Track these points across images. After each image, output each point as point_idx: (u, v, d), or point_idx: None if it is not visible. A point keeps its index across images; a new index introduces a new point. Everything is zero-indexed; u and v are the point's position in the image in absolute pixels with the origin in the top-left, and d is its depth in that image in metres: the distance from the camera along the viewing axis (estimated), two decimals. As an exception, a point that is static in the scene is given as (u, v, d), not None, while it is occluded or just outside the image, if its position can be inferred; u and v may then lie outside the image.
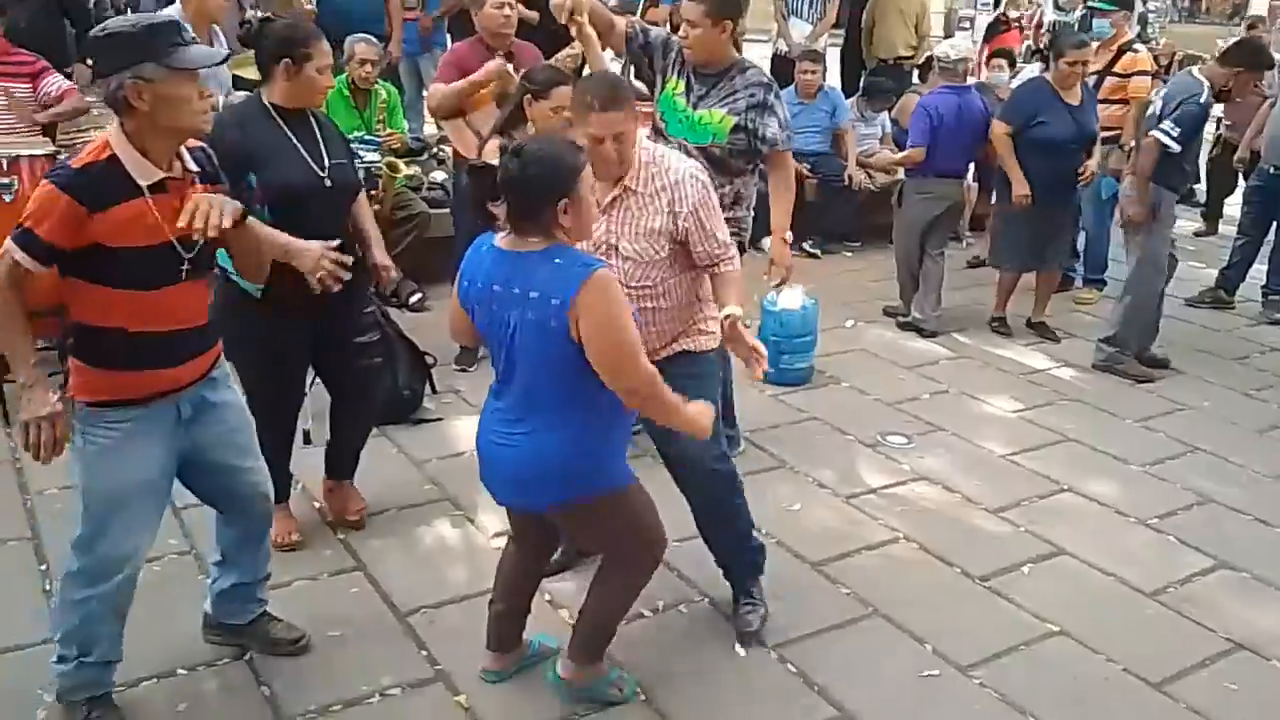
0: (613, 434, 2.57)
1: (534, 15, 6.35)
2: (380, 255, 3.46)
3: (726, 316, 2.85)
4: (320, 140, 3.25)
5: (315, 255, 2.98)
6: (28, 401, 2.37)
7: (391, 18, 6.81)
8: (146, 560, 3.33)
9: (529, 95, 3.67)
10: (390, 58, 6.84)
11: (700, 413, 2.57)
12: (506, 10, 4.64)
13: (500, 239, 2.46)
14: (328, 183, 3.21)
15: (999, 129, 5.70)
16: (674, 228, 2.83)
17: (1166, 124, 5.06)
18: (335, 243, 3.05)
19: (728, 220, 3.67)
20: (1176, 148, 5.05)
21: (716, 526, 3.20)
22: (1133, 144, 5.80)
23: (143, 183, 2.33)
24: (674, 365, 2.92)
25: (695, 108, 3.75)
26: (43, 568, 3.38)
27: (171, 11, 4.51)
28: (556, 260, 2.35)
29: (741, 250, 3.43)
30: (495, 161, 2.61)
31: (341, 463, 3.72)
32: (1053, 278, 6.08)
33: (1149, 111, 5.37)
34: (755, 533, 3.27)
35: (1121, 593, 3.54)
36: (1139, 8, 14.62)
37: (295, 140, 3.18)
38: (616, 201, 2.84)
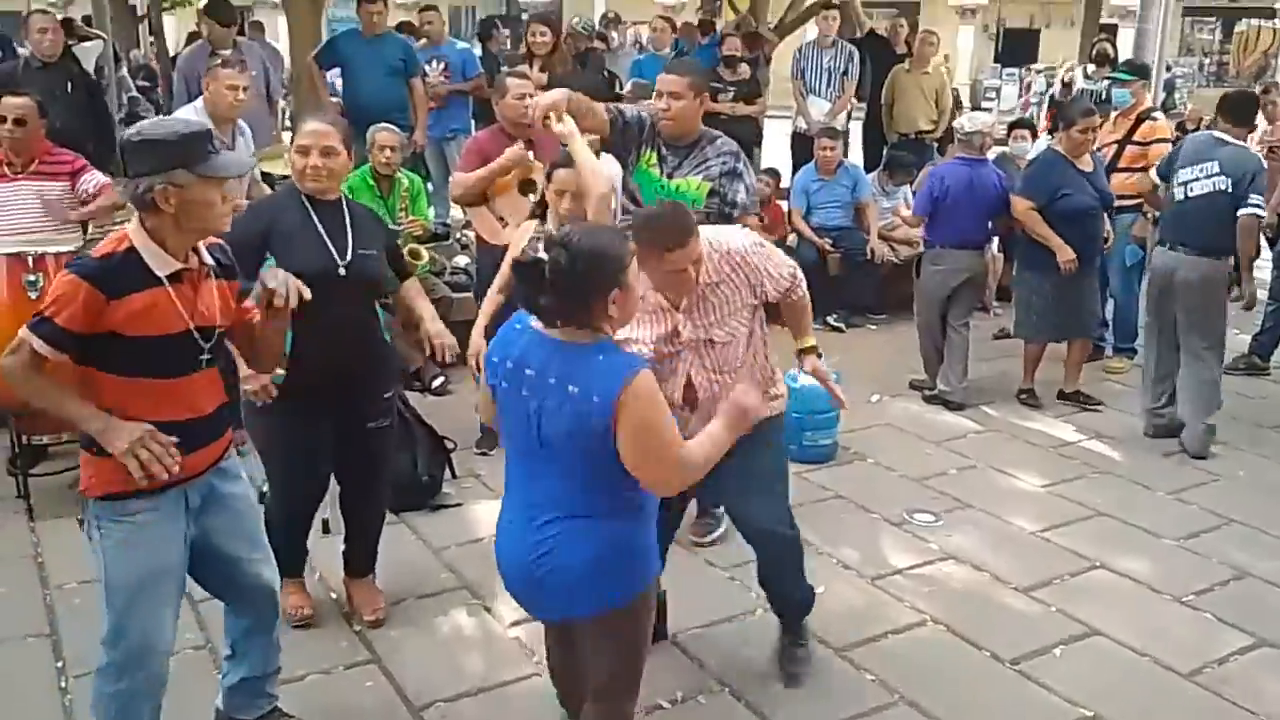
0: (649, 526, 2.46)
1: (553, 101, 6.51)
2: (434, 325, 3.54)
3: (810, 350, 3.22)
4: (348, 229, 3.30)
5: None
6: (115, 436, 2.37)
7: (416, 107, 6.96)
8: (162, 656, 3.37)
9: (546, 179, 3.78)
10: (415, 146, 6.99)
11: (737, 415, 2.43)
12: (527, 100, 4.73)
13: (539, 322, 2.35)
14: (342, 271, 3.25)
15: (1021, 205, 5.66)
16: (754, 298, 3.03)
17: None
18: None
19: None
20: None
21: (776, 581, 3.39)
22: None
23: (161, 273, 2.41)
24: (754, 432, 2.93)
25: (671, 177, 3.88)
26: (59, 664, 3.37)
27: (191, 110, 4.65)
28: (600, 357, 2.27)
29: None
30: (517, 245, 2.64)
31: (358, 558, 3.69)
32: (1084, 346, 6.01)
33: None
34: (806, 576, 3.41)
35: (1156, 674, 3.43)
36: (1165, 75, 14.66)
37: (320, 228, 3.25)
38: (698, 300, 2.93)
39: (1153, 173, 5.47)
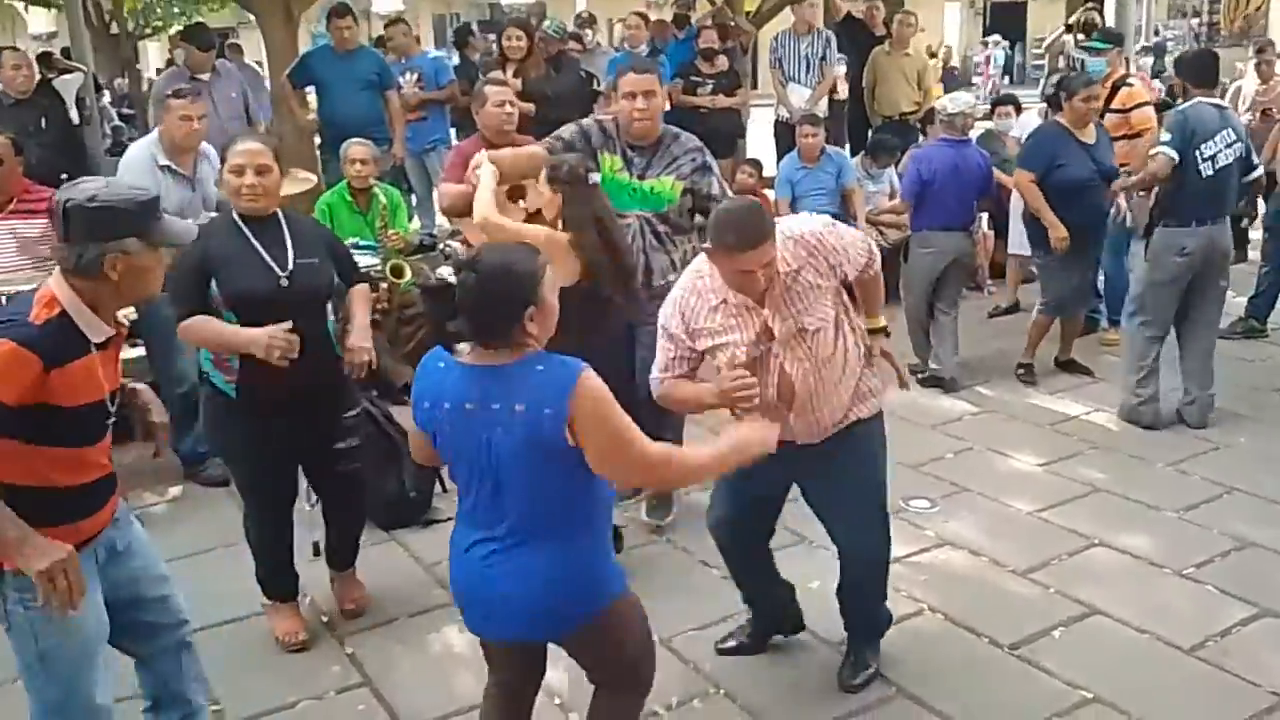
0: (606, 537, 2.45)
1: (530, 107, 6.47)
2: (355, 339, 3.49)
3: (880, 329, 3.07)
4: (287, 242, 3.33)
5: (262, 341, 3.13)
6: (32, 552, 2.21)
7: (393, 121, 6.93)
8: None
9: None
10: (395, 159, 6.96)
11: (746, 438, 2.42)
12: (508, 108, 4.72)
13: (465, 355, 2.30)
14: (284, 282, 3.27)
15: (1023, 178, 5.60)
16: (835, 278, 2.90)
17: (1255, 159, 5.10)
18: (286, 325, 3.15)
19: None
20: None
21: (856, 599, 3.30)
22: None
23: (94, 340, 2.33)
24: (851, 436, 3.01)
25: (642, 178, 3.87)
26: None
27: (147, 143, 4.60)
28: (539, 368, 2.22)
29: None
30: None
31: (340, 552, 3.78)
32: (1078, 318, 5.97)
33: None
34: (887, 603, 3.34)
35: (1157, 650, 3.39)
36: (1154, 38, 14.56)
37: (258, 245, 3.29)
38: (783, 290, 2.83)
39: (1166, 151, 4.99)
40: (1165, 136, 5.01)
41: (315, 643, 3.61)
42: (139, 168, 4.53)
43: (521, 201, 4.77)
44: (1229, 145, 4.98)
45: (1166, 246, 5.02)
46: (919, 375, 5.93)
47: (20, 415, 2.23)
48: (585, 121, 3.97)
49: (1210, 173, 4.97)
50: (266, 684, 3.38)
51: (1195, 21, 26.39)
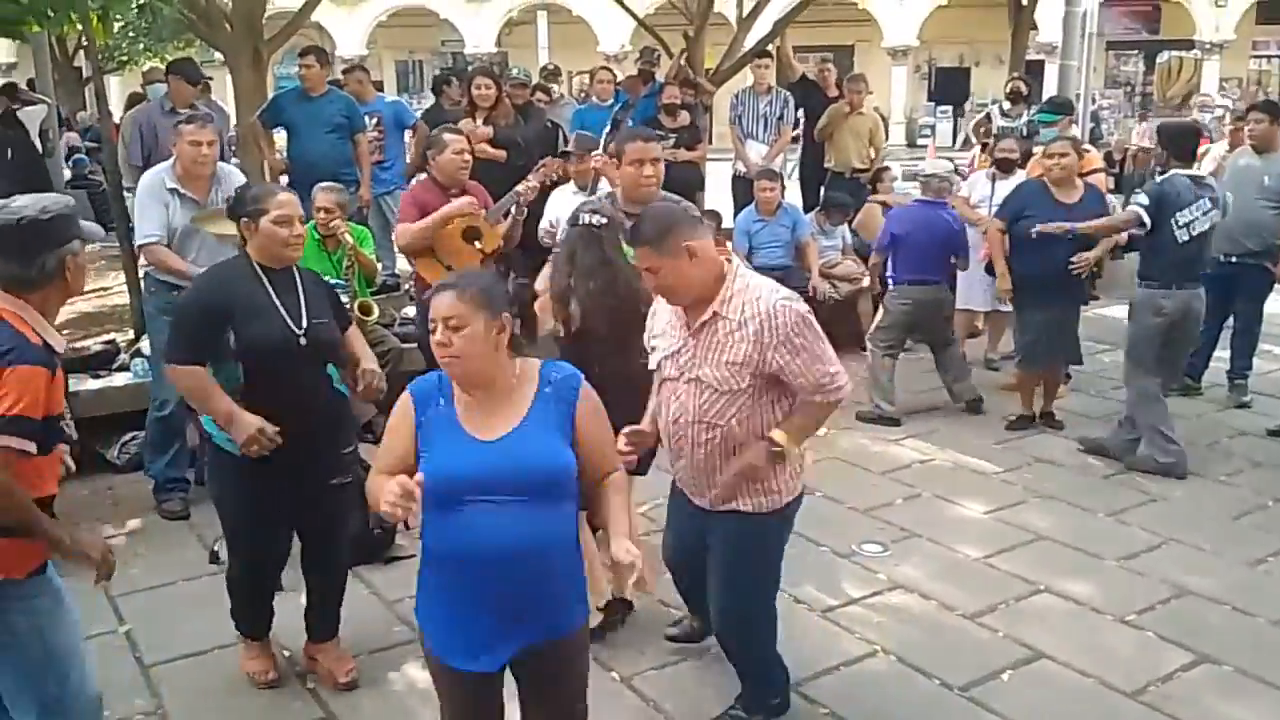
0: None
1: (501, 154, 6.60)
2: (367, 363, 3.56)
3: (780, 450, 2.89)
4: (302, 298, 3.34)
5: (247, 433, 3.18)
6: (84, 544, 2.53)
7: (360, 162, 7.00)
8: (112, 724, 3.33)
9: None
10: (361, 201, 7.02)
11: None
12: (465, 156, 4.95)
13: None
14: (303, 341, 3.28)
15: (992, 225, 6.01)
16: (759, 359, 2.79)
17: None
18: (274, 430, 3.20)
19: None
20: None
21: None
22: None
23: (58, 349, 2.50)
24: (729, 523, 3.02)
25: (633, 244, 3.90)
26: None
27: (164, 171, 4.66)
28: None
29: None
30: None
31: (325, 621, 3.65)
32: (1056, 370, 6.22)
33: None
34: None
35: (1102, 695, 3.51)
36: (1091, 107, 15.12)
37: (275, 298, 3.28)
38: (705, 327, 2.85)
39: (1137, 206, 5.31)
40: (1143, 199, 5.33)
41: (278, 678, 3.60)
42: (151, 190, 4.63)
43: (477, 243, 4.92)
44: (1205, 213, 5.28)
45: (1145, 306, 5.38)
46: (869, 417, 6.20)
47: (44, 428, 2.41)
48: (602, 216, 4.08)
49: (1186, 238, 5.26)
50: (228, 719, 3.37)
51: (1130, 89, 27.46)
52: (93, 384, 5.52)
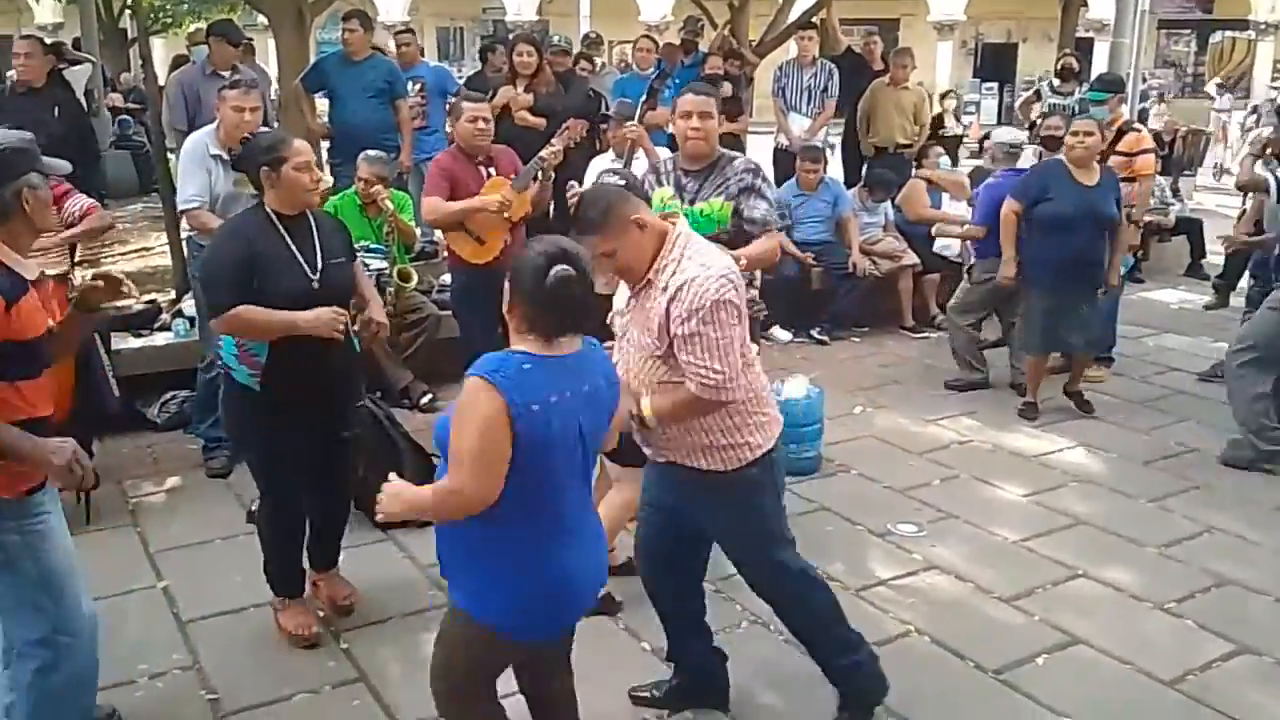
0: None
1: (541, 122, 6.56)
2: (374, 312, 3.63)
3: (637, 406, 2.77)
4: (316, 243, 3.40)
5: (326, 319, 3.29)
6: (50, 452, 2.51)
7: (401, 128, 7.00)
8: (150, 677, 3.38)
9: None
10: (402, 167, 7.02)
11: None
12: (480, 124, 4.91)
13: (533, 347, 2.31)
14: (316, 285, 3.35)
15: (1009, 206, 5.74)
16: (666, 327, 2.70)
17: None
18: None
19: None
20: None
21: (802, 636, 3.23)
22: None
23: (29, 278, 2.57)
24: (698, 486, 2.92)
25: (693, 203, 3.89)
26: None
27: (206, 134, 4.70)
28: (594, 349, 2.44)
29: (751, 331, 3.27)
30: None
31: (327, 551, 3.80)
32: (1084, 359, 6.07)
33: None
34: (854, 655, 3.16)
35: (1139, 682, 3.46)
36: (1140, 86, 14.84)
37: (293, 247, 3.34)
38: (641, 292, 2.82)
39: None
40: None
41: (310, 636, 3.65)
42: (193, 155, 4.66)
43: (505, 213, 4.90)
44: None
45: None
46: (960, 386, 6.32)
47: (20, 351, 2.50)
48: (643, 170, 4.07)
49: None
50: (262, 677, 3.41)
51: (1181, 70, 26.91)
52: (134, 343, 5.59)
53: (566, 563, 2.40)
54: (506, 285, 2.35)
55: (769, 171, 8.56)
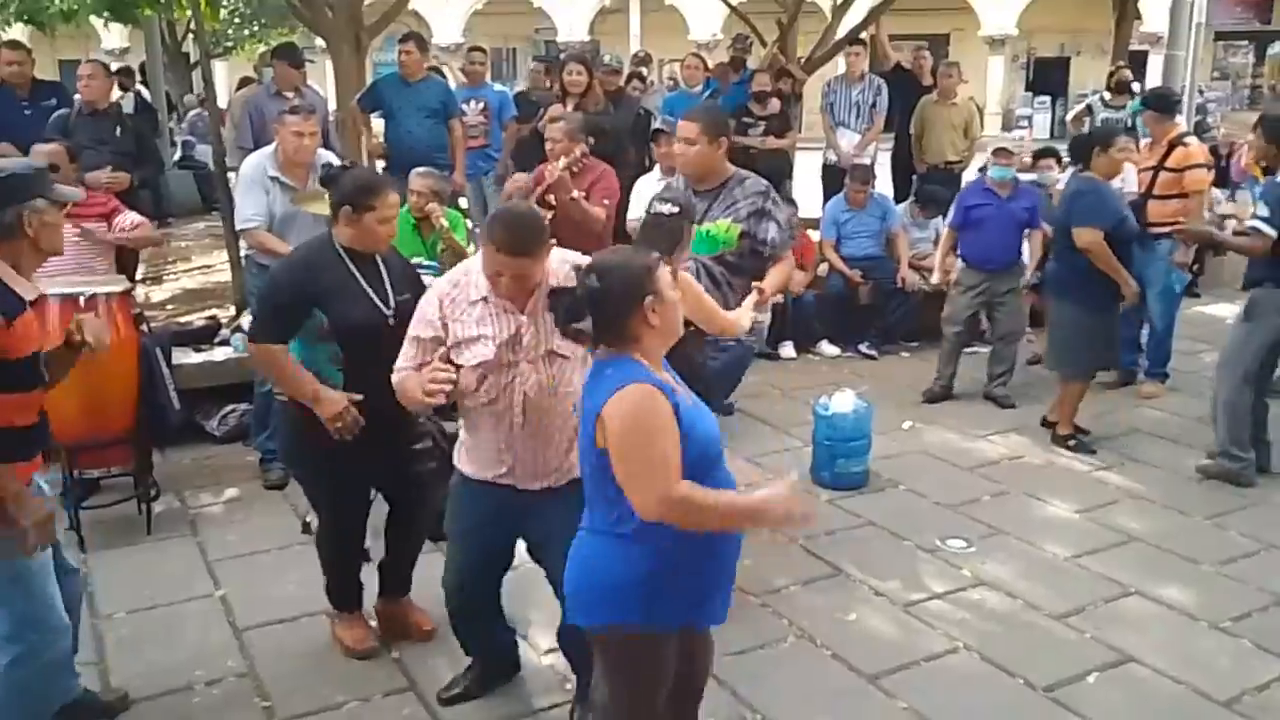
0: (661, 562, 2.36)
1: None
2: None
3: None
4: (385, 278, 3.41)
5: (334, 410, 3.27)
6: (27, 508, 2.72)
7: (454, 148, 7.11)
8: (206, 683, 3.46)
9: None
10: (455, 185, 7.13)
11: (768, 513, 2.36)
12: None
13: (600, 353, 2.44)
14: (392, 321, 3.34)
15: (1093, 236, 5.33)
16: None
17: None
18: (358, 397, 3.28)
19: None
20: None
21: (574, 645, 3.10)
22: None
23: (27, 298, 2.71)
24: (573, 493, 2.81)
25: (700, 222, 3.91)
26: (109, 691, 3.46)
27: (263, 156, 4.84)
28: (609, 370, 2.34)
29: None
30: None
31: (398, 578, 3.78)
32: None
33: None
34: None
35: (1193, 702, 3.41)
36: (1197, 99, 14.60)
37: (361, 280, 3.35)
38: (540, 303, 2.78)
39: (1265, 229, 4.97)
40: (1263, 211, 4.95)
41: (361, 646, 3.71)
42: (252, 175, 4.77)
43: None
44: None
45: (1274, 306, 5.01)
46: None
47: (17, 367, 2.66)
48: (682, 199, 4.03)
49: None
50: (315, 684, 3.48)
51: (1239, 82, 26.40)
52: (195, 358, 5.72)
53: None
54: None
55: (815, 187, 8.67)
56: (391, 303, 3.37)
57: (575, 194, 4.98)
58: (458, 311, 2.90)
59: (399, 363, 2.99)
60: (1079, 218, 5.44)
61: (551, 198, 5.01)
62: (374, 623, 3.79)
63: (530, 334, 2.86)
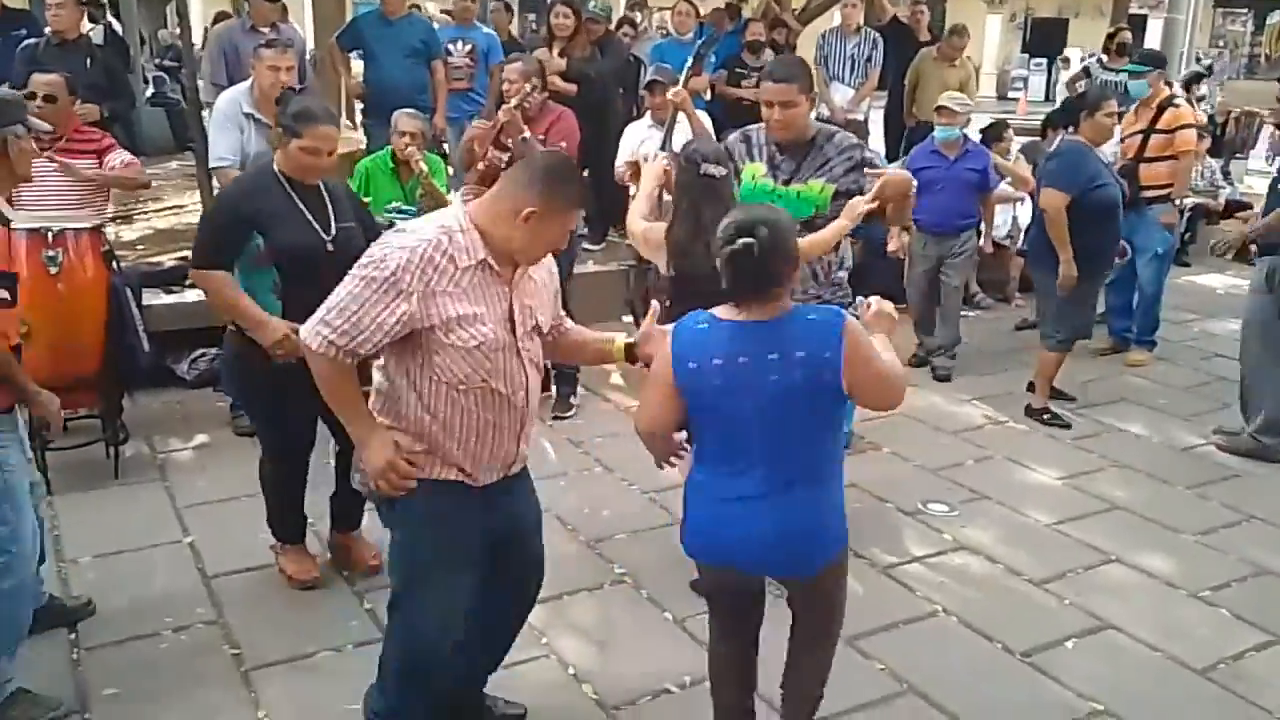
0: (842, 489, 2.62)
1: (571, 88, 6.48)
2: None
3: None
4: (328, 205, 3.43)
5: (275, 337, 3.27)
6: (44, 398, 2.92)
7: (435, 90, 6.93)
8: (174, 630, 3.40)
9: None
10: (435, 129, 6.96)
11: (884, 322, 2.70)
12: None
13: (725, 312, 2.46)
14: (330, 247, 3.35)
15: (1057, 199, 5.16)
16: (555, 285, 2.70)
17: None
18: (299, 326, 3.06)
19: (831, 284, 3.84)
20: None
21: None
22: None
23: (8, 216, 2.81)
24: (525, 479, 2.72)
25: (789, 183, 3.73)
26: (72, 636, 3.39)
27: (239, 93, 4.70)
28: (811, 316, 2.42)
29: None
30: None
31: (347, 512, 3.81)
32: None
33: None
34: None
35: (1170, 669, 3.39)
36: (1195, 66, 14.48)
37: (302, 205, 3.36)
38: (524, 277, 2.53)
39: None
40: None
41: (334, 597, 3.66)
42: (226, 113, 4.66)
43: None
44: None
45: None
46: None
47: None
48: (732, 136, 3.92)
49: None
50: (286, 634, 3.43)
51: (1237, 50, 26.27)
52: (165, 299, 5.60)
53: (725, 509, 2.49)
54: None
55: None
56: (332, 228, 3.38)
57: (526, 134, 4.83)
58: (444, 282, 2.36)
59: (337, 337, 2.44)
60: (1048, 178, 5.34)
61: (507, 139, 4.89)
62: (345, 573, 3.75)
63: (519, 308, 2.51)
